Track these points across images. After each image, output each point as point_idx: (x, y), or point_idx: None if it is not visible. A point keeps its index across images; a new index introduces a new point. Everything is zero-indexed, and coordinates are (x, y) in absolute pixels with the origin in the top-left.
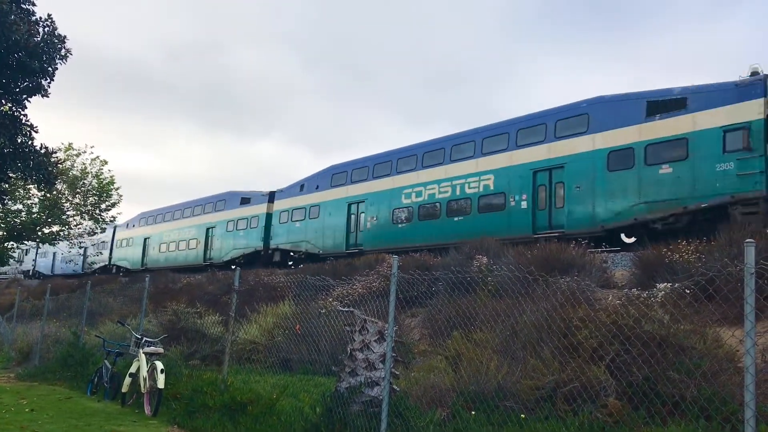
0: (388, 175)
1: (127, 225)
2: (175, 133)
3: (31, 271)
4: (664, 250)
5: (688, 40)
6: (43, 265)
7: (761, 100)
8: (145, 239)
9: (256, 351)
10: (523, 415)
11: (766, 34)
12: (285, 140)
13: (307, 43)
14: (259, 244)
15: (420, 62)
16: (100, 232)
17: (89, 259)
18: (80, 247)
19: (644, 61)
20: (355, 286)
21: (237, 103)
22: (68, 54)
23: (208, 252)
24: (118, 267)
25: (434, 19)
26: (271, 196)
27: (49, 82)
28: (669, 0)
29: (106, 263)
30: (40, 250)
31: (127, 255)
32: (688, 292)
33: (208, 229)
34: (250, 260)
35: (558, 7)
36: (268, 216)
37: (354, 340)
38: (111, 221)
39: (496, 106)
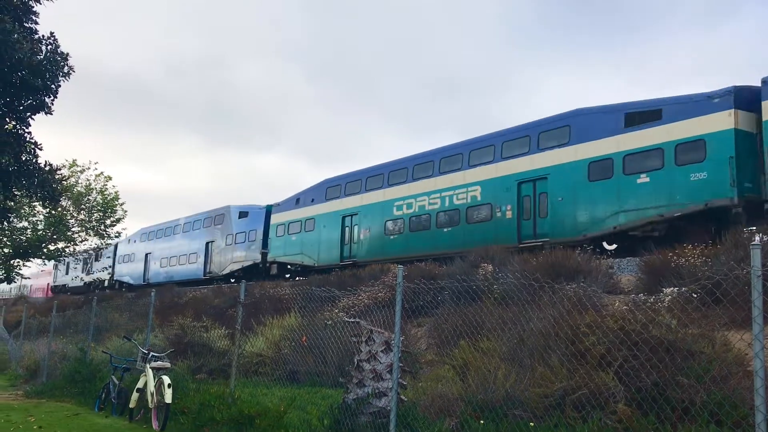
0: None
1: (324, 195)
2: (176, 148)
3: (107, 282)
4: (670, 254)
5: (689, 45)
6: (129, 272)
7: None
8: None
9: (263, 364)
10: (532, 423)
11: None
12: (287, 152)
13: (309, 55)
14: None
15: (420, 71)
16: (105, 248)
17: (217, 258)
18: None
19: (647, 65)
20: (360, 297)
21: (239, 118)
22: (71, 71)
23: (548, 221)
24: (303, 267)
25: (434, 25)
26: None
27: (53, 100)
28: (670, 5)
29: (273, 259)
30: (120, 252)
31: (366, 242)
32: (695, 296)
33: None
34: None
35: (557, 13)
36: None
37: (361, 351)
38: (116, 236)
39: (497, 113)
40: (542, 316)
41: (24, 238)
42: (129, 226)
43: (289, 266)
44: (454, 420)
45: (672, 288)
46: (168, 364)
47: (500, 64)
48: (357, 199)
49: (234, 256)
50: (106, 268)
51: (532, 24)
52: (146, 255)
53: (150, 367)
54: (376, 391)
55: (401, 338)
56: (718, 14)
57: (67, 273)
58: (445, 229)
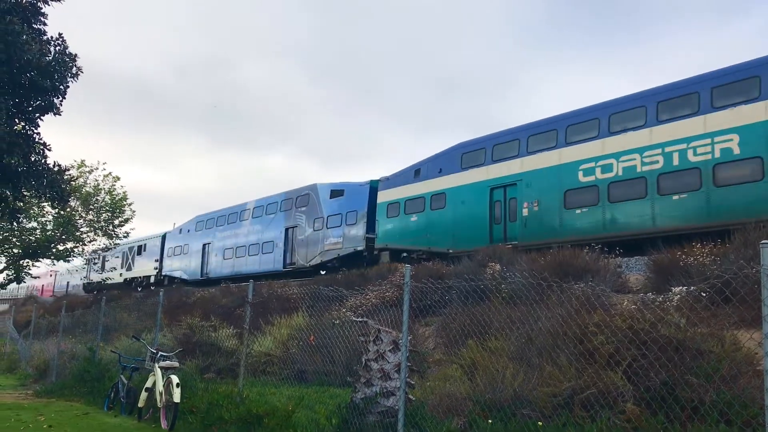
0: None
1: (459, 162)
2: (182, 149)
3: (153, 278)
4: (679, 253)
5: (694, 45)
6: (182, 266)
7: None
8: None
9: (271, 363)
10: (540, 423)
11: None
12: (292, 153)
13: (314, 56)
14: None
15: (424, 73)
16: (114, 248)
17: (302, 247)
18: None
19: (648, 64)
20: (368, 296)
21: (244, 119)
22: (79, 72)
23: None
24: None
25: (437, 26)
26: None
27: (61, 101)
28: (674, 5)
29: (384, 245)
30: (169, 245)
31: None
32: (704, 295)
33: None
34: None
35: (562, 13)
36: None
37: (368, 351)
38: (125, 236)
39: (499, 113)
40: (550, 316)
41: (33, 238)
42: (136, 226)
43: (404, 254)
44: (462, 419)
45: (681, 287)
46: (176, 364)
47: (506, 64)
48: (514, 165)
49: (326, 244)
50: (155, 261)
51: (539, 24)
52: (204, 246)
53: (159, 367)
54: (384, 390)
55: (409, 337)
56: (727, 12)
57: (103, 269)
58: (675, 197)
